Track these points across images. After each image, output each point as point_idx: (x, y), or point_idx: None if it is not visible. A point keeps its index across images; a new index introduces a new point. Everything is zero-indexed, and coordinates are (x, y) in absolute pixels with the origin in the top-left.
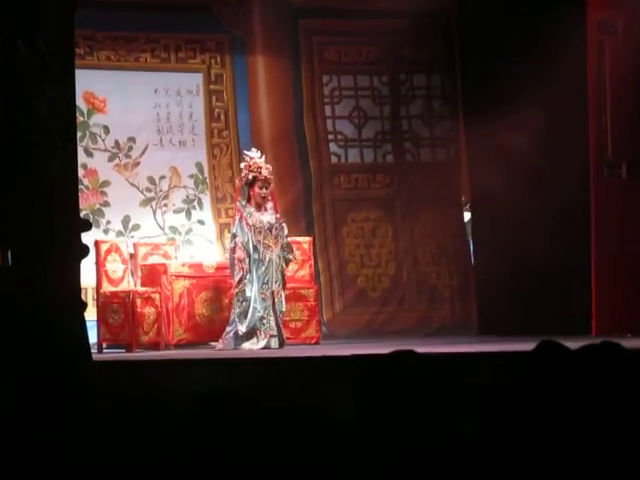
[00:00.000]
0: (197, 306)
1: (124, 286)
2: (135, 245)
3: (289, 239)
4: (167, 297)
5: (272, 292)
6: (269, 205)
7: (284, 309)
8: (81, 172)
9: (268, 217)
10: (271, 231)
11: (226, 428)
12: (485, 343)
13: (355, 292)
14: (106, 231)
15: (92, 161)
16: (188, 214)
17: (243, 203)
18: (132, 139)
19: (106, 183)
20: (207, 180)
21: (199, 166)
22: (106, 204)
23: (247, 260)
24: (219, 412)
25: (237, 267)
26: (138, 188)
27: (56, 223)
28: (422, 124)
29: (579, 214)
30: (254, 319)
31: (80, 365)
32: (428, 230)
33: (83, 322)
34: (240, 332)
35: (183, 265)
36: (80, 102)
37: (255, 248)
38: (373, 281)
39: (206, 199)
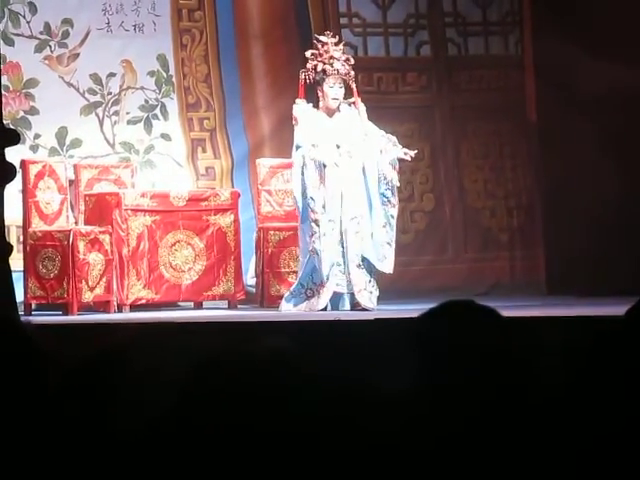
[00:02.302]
0: (162, 252)
1: (61, 224)
2: (76, 167)
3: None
4: (121, 240)
5: (345, 231)
6: (344, 107)
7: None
8: None
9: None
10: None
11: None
12: (560, 306)
13: None
14: (34, 148)
15: (13, 51)
16: (148, 126)
17: (302, 108)
18: (68, 21)
19: (33, 82)
20: (173, 79)
21: (162, 60)
22: (34, 111)
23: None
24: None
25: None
26: (78, 90)
27: None
28: (472, 4)
29: None
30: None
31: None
32: (480, 151)
33: (7, 272)
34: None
35: (142, 195)
36: None
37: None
38: (403, 220)
39: (172, 105)
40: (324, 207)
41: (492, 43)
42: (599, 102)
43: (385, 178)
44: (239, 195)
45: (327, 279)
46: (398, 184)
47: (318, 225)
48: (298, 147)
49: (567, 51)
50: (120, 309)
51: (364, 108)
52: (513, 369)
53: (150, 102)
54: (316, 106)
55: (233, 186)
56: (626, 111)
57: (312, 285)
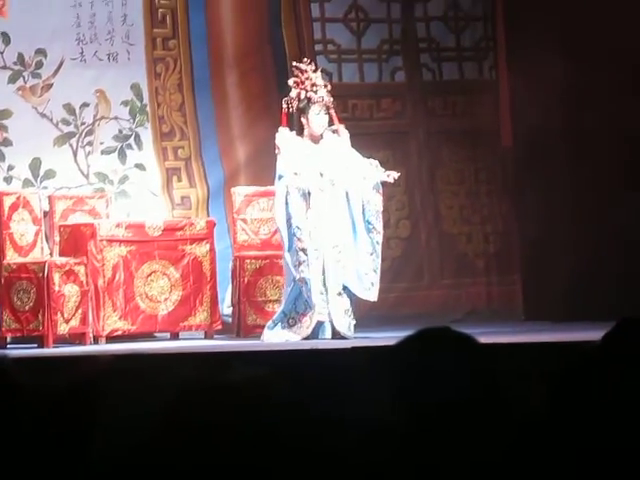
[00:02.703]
0: (138, 283)
1: (36, 255)
2: (50, 198)
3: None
4: (96, 270)
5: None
6: (328, 134)
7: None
8: None
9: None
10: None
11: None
12: (537, 332)
13: None
14: (8, 179)
15: None
16: (122, 156)
17: (285, 136)
18: (42, 52)
19: (6, 113)
20: (147, 108)
21: (136, 89)
22: (7, 142)
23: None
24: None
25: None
26: (51, 120)
27: None
28: (445, 29)
29: None
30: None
31: None
32: (455, 176)
33: None
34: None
35: (117, 226)
36: None
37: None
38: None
39: (146, 135)
40: (310, 235)
41: (466, 68)
42: (573, 126)
43: (369, 203)
44: (215, 224)
45: (314, 307)
46: (382, 209)
47: (306, 254)
48: (281, 176)
49: (542, 76)
50: (96, 341)
51: (347, 135)
52: (490, 396)
53: (124, 132)
54: (299, 134)
55: (209, 215)
56: (597, 134)
57: (294, 314)
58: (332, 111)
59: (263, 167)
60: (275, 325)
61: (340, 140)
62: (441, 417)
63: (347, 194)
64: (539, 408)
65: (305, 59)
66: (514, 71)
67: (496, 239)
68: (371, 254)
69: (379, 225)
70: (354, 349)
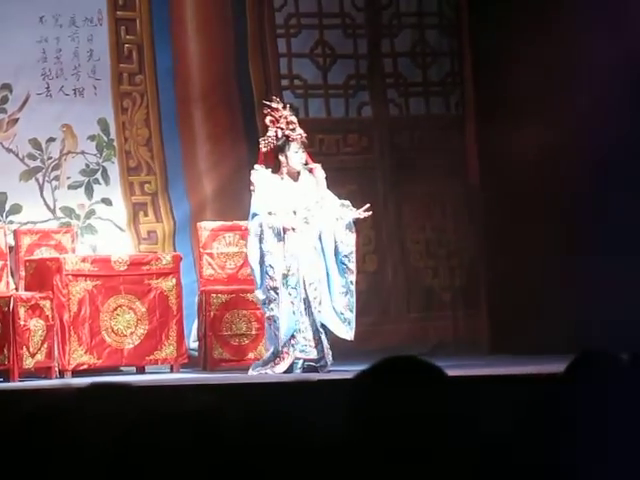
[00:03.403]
0: (104, 317)
1: (1, 290)
2: (16, 233)
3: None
4: (62, 305)
5: (306, 299)
6: (304, 173)
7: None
8: None
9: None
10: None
11: None
12: (502, 365)
13: None
14: None
15: None
16: (89, 191)
17: (261, 175)
18: (7, 87)
19: None
20: (114, 143)
21: (103, 124)
22: None
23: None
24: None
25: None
26: (17, 155)
27: None
28: (412, 64)
29: None
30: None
31: None
32: (421, 211)
33: None
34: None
35: (83, 261)
36: None
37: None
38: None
39: (113, 170)
40: (286, 275)
41: (433, 104)
42: (539, 165)
43: (342, 243)
44: (181, 258)
45: (285, 346)
46: (354, 249)
47: (277, 292)
48: (255, 214)
49: (509, 112)
50: (62, 375)
51: (323, 175)
52: (455, 427)
53: (91, 166)
54: (275, 172)
55: (175, 250)
56: (565, 171)
57: (280, 353)
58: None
59: (229, 202)
60: (264, 364)
61: (315, 180)
62: (404, 449)
63: (320, 234)
64: (503, 439)
65: (274, 97)
66: (480, 106)
67: (462, 273)
68: (345, 294)
69: (352, 265)
70: (318, 382)
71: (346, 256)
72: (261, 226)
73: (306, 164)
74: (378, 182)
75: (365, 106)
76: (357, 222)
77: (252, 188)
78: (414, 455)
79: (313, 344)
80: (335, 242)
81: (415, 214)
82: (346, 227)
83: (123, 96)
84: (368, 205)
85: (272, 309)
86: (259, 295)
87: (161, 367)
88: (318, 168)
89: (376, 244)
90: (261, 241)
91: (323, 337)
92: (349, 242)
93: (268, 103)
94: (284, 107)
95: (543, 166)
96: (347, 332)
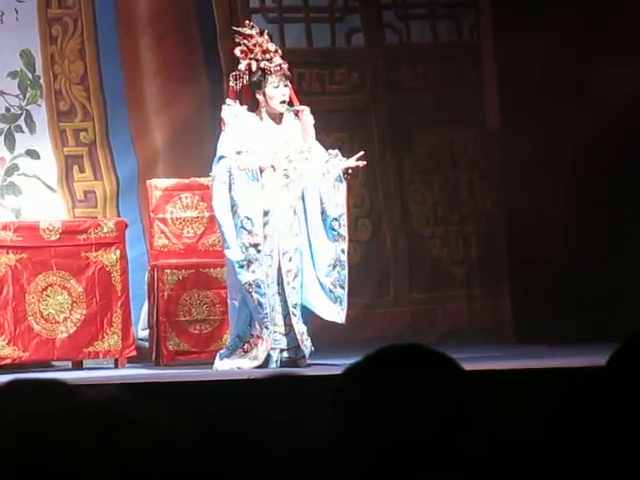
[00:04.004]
0: (30, 299)
1: None
2: None
3: None
4: None
5: (279, 270)
6: (289, 117)
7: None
8: None
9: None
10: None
11: None
12: (530, 357)
13: None
14: None
15: None
16: (10, 141)
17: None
18: None
19: None
20: (41, 81)
21: (27, 56)
22: None
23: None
24: None
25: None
26: None
27: None
28: None
29: None
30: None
31: None
32: (427, 165)
33: None
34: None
35: (4, 228)
36: None
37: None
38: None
39: (40, 114)
40: (265, 228)
41: (441, 29)
42: (572, 100)
43: (330, 202)
44: (126, 225)
45: (265, 323)
46: (345, 210)
47: (258, 249)
48: (222, 157)
49: (534, 37)
50: None
51: (312, 121)
52: (472, 433)
53: (12, 110)
54: (252, 111)
55: (119, 215)
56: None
57: (250, 337)
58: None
59: (186, 153)
60: (230, 352)
61: (301, 126)
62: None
63: (303, 193)
64: (533, 446)
65: (247, 22)
66: (500, 31)
67: (479, 242)
68: (334, 267)
69: (344, 230)
70: (299, 378)
71: (336, 219)
72: (230, 170)
73: (291, 105)
74: (373, 128)
75: (356, 33)
76: (348, 175)
77: (222, 126)
78: (417, 467)
79: (283, 330)
80: (322, 203)
81: (419, 168)
82: (335, 182)
83: (52, 22)
84: (362, 153)
85: (254, 272)
86: (234, 255)
87: (103, 361)
88: (306, 111)
89: (371, 206)
90: (231, 189)
91: (295, 320)
92: (339, 201)
93: (238, 29)
94: (260, 33)
95: (580, 105)
96: (338, 313)
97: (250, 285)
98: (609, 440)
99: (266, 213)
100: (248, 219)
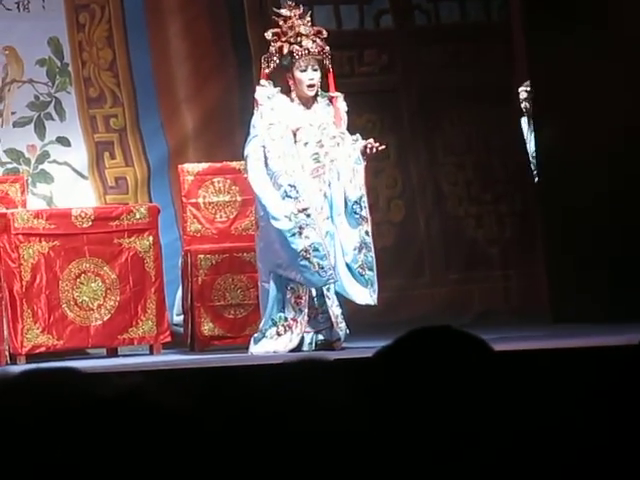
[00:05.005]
0: (64, 287)
1: None
2: None
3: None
4: (11, 272)
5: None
6: (322, 103)
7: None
8: None
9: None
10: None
11: None
12: (569, 337)
13: None
14: None
15: None
16: (40, 128)
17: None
18: None
19: None
20: (69, 68)
21: (54, 44)
22: None
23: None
24: None
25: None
26: None
27: None
28: None
29: None
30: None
31: None
32: (459, 145)
33: None
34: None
35: (37, 216)
36: None
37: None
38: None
39: (70, 102)
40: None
41: (470, 9)
42: (600, 82)
43: (350, 184)
44: (159, 211)
45: (329, 286)
46: (364, 191)
47: (308, 215)
48: (255, 137)
49: (567, 15)
50: (14, 360)
51: (345, 107)
52: (504, 419)
53: (42, 98)
54: (285, 93)
55: (151, 200)
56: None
57: (284, 320)
58: (329, 65)
59: (217, 137)
60: (263, 336)
61: (334, 114)
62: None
63: (330, 182)
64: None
65: (289, 2)
66: (530, 10)
67: (514, 221)
68: (360, 250)
69: (366, 212)
70: (333, 362)
71: (357, 202)
72: (263, 145)
73: (327, 90)
74: (403, 109)
75: (384, 14)
76: (366, 157)
77: (255, 107)
78: (447, 455)
79: (318, 312)
80: (344, 188)
81: (451, 149)
82: (354, 165)
83: (79, 9)
84: (383, 147)
85: (307, 237)
86: (283, 225)
87: (138, 348)
88: (340, 98)
89: (403, 187)
90: (267, 164)
91: (330, 303)
92: (357, 183)
93: (277, 11)
94: (301, 15)
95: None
96: (370, 296)
97: (307, 251)
98: None
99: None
100: (292, 187)
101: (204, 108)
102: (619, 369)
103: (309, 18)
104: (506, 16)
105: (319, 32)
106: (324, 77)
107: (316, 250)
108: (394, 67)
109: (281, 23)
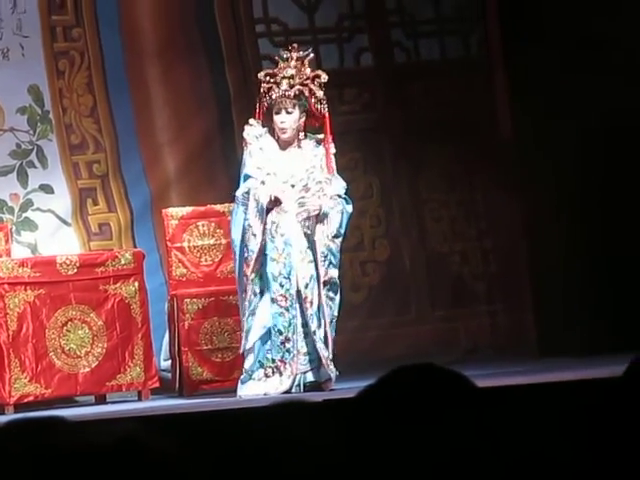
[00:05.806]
0: (51, 335)
1: None
2: None
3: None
4: None
5: (298, 293)
6: (308, 144)
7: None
8: None
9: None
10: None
11: None
12: (555, 371)
13: None
14: None
15: None
16: (22, 176)
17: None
18: None
19: None
20: (50, 116)
21: (34, 92)
22: None
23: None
24: None
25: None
26: None
27: None
28: None
29: None
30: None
31: None
32: (442, 182)
33: None
34: (244, 368)
35: (22, 265)
36: None
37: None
38: (352, 275)
39: (52, 149)
40: (275, 260)
41: (449, 45)
42: (583, 111)
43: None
44: (144, 256)
45: (278, 353)
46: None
47: (247, 280)
48: (247, 176)
49: (545, 48)
50: (2, 410)
51: (332, 150)
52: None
53: (23, 146)
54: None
55: (135, 245)
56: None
57: (271, 362)
58: (325, 110)
59: (199, 181)
60: (250, 378)
61: (323, 155)
62: None
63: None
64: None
65: (294, 45)
66: (509, 45)
67: (499, 257)
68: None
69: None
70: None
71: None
72: (248, 193)
73: (314, 132)
74: (385, 148)
75: (364, 52)
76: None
77: (245, 147)
78: None
79: (305, 352)
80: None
81: (434, 186)
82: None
83: (58, 56)
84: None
85: (244, 298)
86: (240, 281)
87: (126, 394)
88: (329, 143)
89: (387, 226)
90: (247, 212)
91: (320, 346)
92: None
93: (281, 53)
94: (299, 58)
95: (594, 114)
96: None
97: (253, 313)
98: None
99: (282, 235)
100: (247, 247)
101: (185, 151)
102: (602, 402)
103: (308, 61)
104: (486, 50)
105: (317, 76)
106: (310, 118)
107: (253, 315)
108: (375, 105)
109: (281, 64)
